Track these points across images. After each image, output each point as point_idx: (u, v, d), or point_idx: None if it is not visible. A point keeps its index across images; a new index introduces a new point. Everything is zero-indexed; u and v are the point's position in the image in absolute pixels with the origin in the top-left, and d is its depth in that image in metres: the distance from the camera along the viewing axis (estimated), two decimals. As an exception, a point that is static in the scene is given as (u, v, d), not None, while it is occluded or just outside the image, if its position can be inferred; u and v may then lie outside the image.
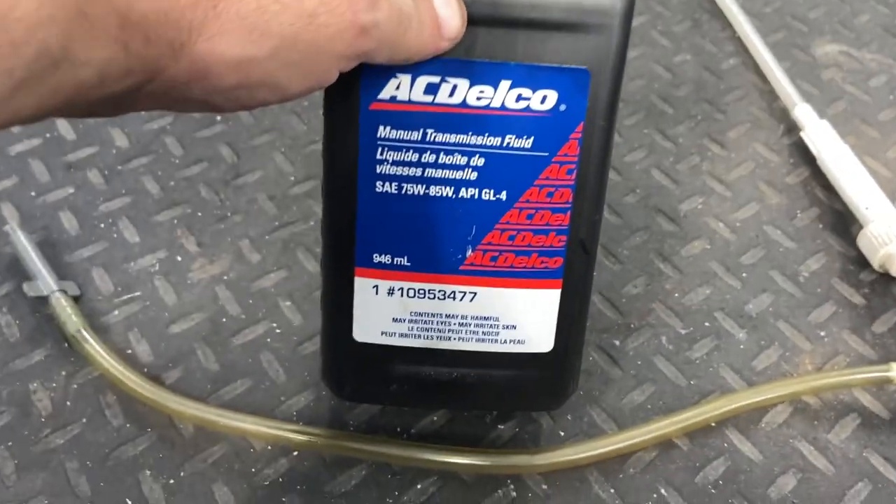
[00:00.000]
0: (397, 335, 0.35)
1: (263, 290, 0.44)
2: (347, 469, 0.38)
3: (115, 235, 0.46)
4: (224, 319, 0.43)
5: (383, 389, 0.37)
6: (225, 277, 0.45)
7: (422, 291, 0.34)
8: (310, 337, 0.42)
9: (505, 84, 0.30)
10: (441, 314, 0.35)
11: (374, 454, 0.38)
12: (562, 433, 0.40)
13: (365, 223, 0.33)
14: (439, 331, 0.35)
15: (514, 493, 0.38)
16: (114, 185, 0.48)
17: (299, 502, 0.37)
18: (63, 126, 0.51)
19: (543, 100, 0.30)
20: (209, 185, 0.49)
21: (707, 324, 0.45)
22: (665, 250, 0.48)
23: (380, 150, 0.31)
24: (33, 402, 0.39)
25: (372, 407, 0.40)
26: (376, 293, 0.34)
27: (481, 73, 0.30)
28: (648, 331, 0.44)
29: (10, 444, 0.38)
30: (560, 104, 0.31)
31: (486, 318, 0.35)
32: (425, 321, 0.35)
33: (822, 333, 0.45)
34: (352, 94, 0.30)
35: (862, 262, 0.47)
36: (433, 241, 0.33)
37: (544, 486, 0.38)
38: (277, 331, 0.43)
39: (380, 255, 0.33)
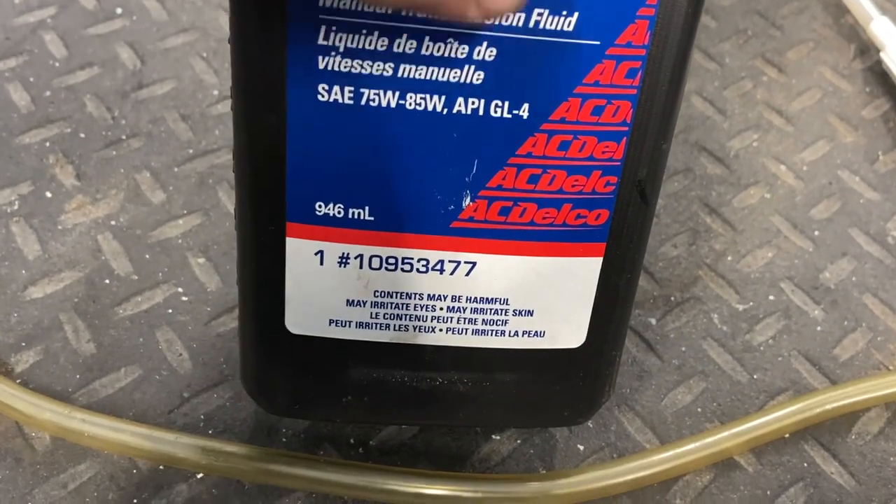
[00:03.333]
0: (353, 325, 0.23)
1: (167, 242, 0.32)
2: (275, 500, 0.26)
3: (-40, 161, 0.33)
4: (107, 281, 0.31)
5: (333, 402, 0.25)
6: (112, 223, 0.32)
7: (391, 261, 0.22)
8: (230, 308, 0.30)
9: None
10: (421, 294, 0.23)
11: (315, 481, 0.26)
12: (581, 447, 0.29)
13: (300, 154, 0.21)
14: (418, 319, 0.23)
15: (514, 537, 0.26)
16: (-36, 94, 0.35)
17: (201, 552, 0.25)
18: None
19: None
20: (99, 98, 0.36)
21: (772, 297, 0.33)
22: (712, 199, 0.36)
23: (324, 29, 0.19)
24: None
25: (314, 408, 0.28)
26: (321, 262, 0.22)
27: None
28: (695, 306, 0.33)
29: None
30: None
31: (488, 301, 0.23)
32: (396, 305, 0.23)
33: (922, 312, 0.34)
34: None
35: (965, 219, 0.36)
36: (410, 186, 0.22)
37: (558, 527, 0.27)
38: (184, 298, 0.30)
39: (325, 205, 0.22)
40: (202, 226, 0.32)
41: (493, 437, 0.29)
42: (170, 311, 0.30)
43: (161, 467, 0.27)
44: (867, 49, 0.43)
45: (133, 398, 0.28)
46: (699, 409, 0.30)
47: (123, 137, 0.35)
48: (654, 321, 0.32)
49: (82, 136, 0.34)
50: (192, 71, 0.37)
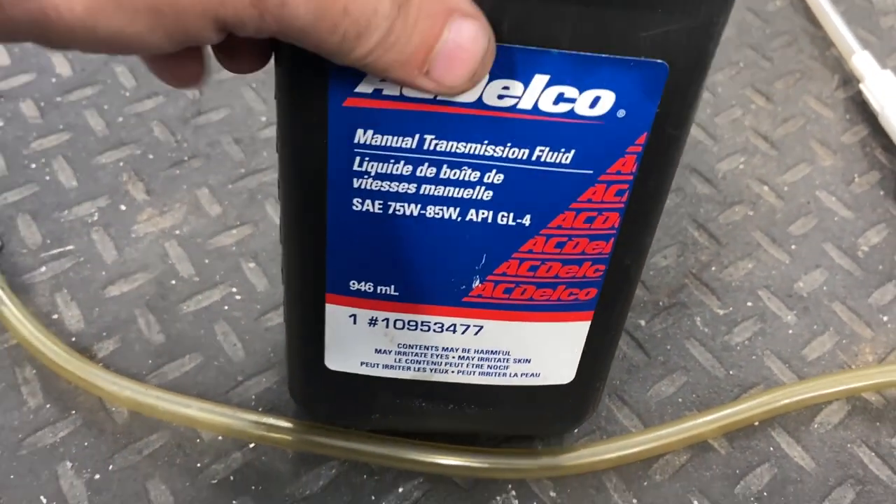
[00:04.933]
0: (380, 366, 0.28)
1: (223, 249, 0.37)
2: (315, 467, 0.31)
3: (48, 178, 0.39)
4: (173, 282, 0.36)
5: (363, 417, 0.30)
6: (177, 232, 0.37)
7: (413, 323, 0.26)
8: (276, 306, 0.35)
9: (540, 79, 0.21)
10: (437, 347, 0.27)
11: (348, 451, 0.31)
12: (575, 430, 0.33)
13: (337, 246, 0.25)
14: (434, 364, 0.28)
15: (515, 502, 0.31)
16: (50, 120, 0.41)
17: (253, 507, 0.30)
18: (-6, 49, 0.43)
19: (595, 103, 0.21)
20: (164, 124, 0.41)
21: (749, 304, 0.38)
22: (700, 216, 0.41)
23: (357, 160, 0.22)
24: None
25: (347, 392, 0.33)
26: (354, 322, 0.26)
27: (507, 63, 0.21)
28: (680, 310, 0.37)
29: None
30: (617, 109, 0.21)
31: (493, 353, 0.27)
32: (416, 353, 0.27)
33: (885, 318, 0.38)
34: (317, 83, 0.21)
35: (930, 236, 0.40)
36: (429, 271, 0.25)
37: (553, 494, 0.31)
38: (237, 297, 0.36)
39: (358, 283, 0.26)
40: (252, 235, 0.38)
41: (500, 419, 0.33)
42: (226, 307, 0.35)
43: (220, 437, 0.32)
44: (849, 79, 0.47)
45: (196, 380, 0.33)
46: (680, 400, 0.35)
47: (185, 158, 0.40)
48: (643, 323, 0.37)
49: (150, 157, 0.40)
50: (242, 99, 0.43)
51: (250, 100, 0.43)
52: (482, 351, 0.27)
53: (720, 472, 0.33)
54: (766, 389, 0.35)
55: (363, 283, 0.25)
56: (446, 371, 0.28)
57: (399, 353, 0.27)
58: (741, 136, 0.44)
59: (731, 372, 0.35)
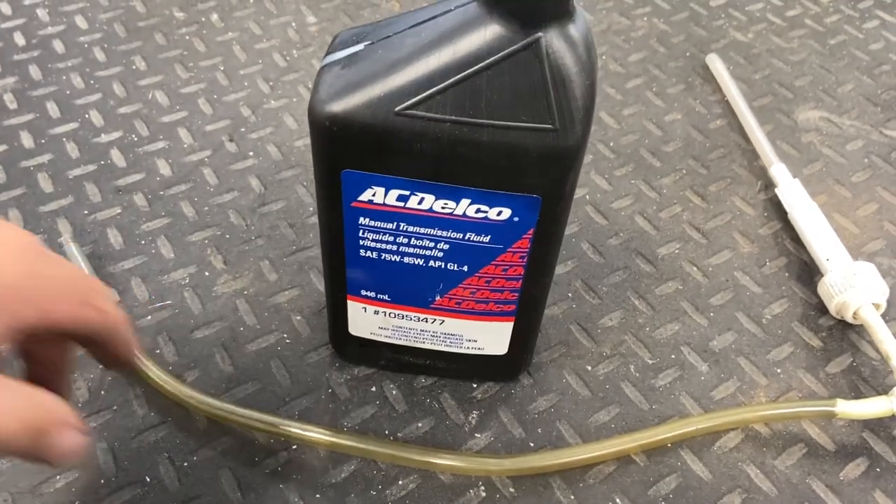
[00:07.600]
0: (383, 336, 0.43)
1: (278, 305, 0.50)
2: (339, 464, 0.43)
3: (154, 251, 0.52)
4: (241, 329, 0.49)
5: (375, 362, 0.46)
6: (245, 292, 0.51)
7: (400, 315, 0.42)
8: (315, 348, 0.48)
9: (466, 200, 0.35)
10: (416, 329, 0.42)
11: (364, 451, 0.43)
12: (532, 444, 0.45)
13: (353, 272, 0.40)
14: (415, 337, 0.43)
15: (483, 494, 0.42)
16: (155, 208, 0.55)
17: (295, 490, 0.42)
18: (115, 154, 0.58)
19: (499, 213, 0.36)
20: (238, 212, 0.55)
21: (673, 356, 0.49)
22: (641, 289, 0.53)
23: (361, 231, 0.38)
24: (72, 389, 0.45)
25: (364, 412, 0.45)
26: (364, 311, 0.42)
27: (445, 192, 0.35)
28: (619, 359, 0.49)
29: (51, 424, 0.44)
30: (514, 217, 0.36)
31: (452, 335, 0.43)
32: (404, 331, 0.43)
33: (779, 371, 0.49)
34: (336, 193, 0.36)
35: (822, 308, 0.52)
36: (408, 289, 0.40)
37: (511, 490, 0.43)
38: (287, 341, 0.48)
39: (366, 291, 0.41)
40: (300, 295, 0.51)
41: (476, 435, 0.45)
42: (279, 348, 0.48)
43: (272, 440, 0.44)
44: (770, 185, 0.59)
45: (256, 400, 0.46)
46: (613, 425, 0.46)
47: (253, 237, 0.54)
48: (590, 368, 0.48)
49: (227, 236, 0.54)
50: (296, 194, 0.57)
51: (302, 195, 0.57)
52: (445, 333, 0.43)
53: (639, 479, 0.44)
54: (678, 419, 0.46)
55: (369, 292, 0.41)
56: (423, 342, 0.43)
57: (393, 329, 0.43)
58: (679, 227, 0.57)
59: (653, 406, 0.47)
